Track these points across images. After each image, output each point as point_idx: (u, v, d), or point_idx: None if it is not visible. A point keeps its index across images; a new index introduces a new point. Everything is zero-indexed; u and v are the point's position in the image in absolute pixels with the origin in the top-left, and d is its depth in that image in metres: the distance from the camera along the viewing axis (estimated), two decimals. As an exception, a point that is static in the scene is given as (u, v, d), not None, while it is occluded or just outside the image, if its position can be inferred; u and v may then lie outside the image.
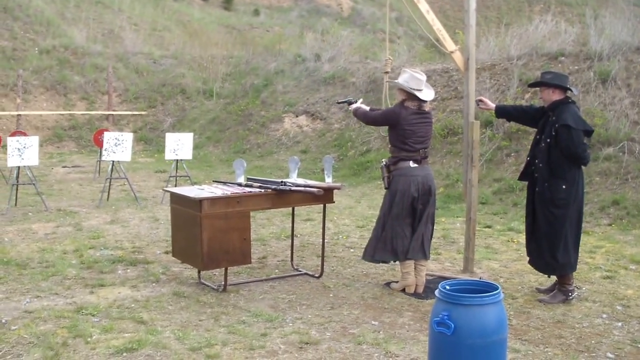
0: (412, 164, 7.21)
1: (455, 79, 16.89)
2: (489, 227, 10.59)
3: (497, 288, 4.60)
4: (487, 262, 8.66)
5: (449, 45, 8.02)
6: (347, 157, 16.95)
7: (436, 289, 7.24)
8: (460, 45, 8.27)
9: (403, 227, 7.23)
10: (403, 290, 7.36)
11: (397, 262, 7.48)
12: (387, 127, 7.40)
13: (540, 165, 7.05)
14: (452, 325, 4.37)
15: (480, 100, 7.89)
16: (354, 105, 7.84)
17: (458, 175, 13.36)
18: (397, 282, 7.56)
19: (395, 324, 6.41)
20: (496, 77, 15.73)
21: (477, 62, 15.87)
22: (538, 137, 7.24)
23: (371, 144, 16.72)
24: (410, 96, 7.20)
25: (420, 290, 7.33)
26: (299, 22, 31.40)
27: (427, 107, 7.31)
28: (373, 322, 6.43)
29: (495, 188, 12.61)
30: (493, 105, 7.85)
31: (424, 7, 7.88)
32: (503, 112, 7.91)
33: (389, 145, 7.48)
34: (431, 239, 7.53)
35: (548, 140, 7.00)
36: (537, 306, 6.98)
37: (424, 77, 7.25)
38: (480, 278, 7.68)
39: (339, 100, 8.95)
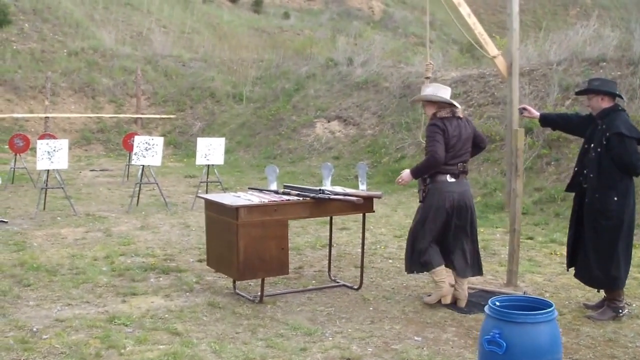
0: (449, 179, 6.90)
1: (492, 85, 16.58)
2: (530, 238, 10.28)
3: (550, 305, 4.42)
4: (530, 275, 8.37)
5: (491, 49, 7.75)
6: (380, 164, 16.70)
7: (479, 302, 7.11)
8: (502, 50, 7.99)
9: (435, 241, 6.97)
10: (439, 301, 7.08)
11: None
12: (425, 135, 7.00)
13: (591, 175, 6.75)
14: (504, 344, 4.20)
15: (524, 109, 7.62)
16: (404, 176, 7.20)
17: (496, 184, 13.07)
18: (429, 295, 7.30)
19: (439, 339, 6.16)
20: (535, 83, 15.38)
21: (515, 68, 15.64)
22: (586, 146, 6.93)
23: (405, 150, 16.47)
24: (441, 105, 6.95)
25: (463, 304, 7.06)
26: (329, 25, 31.22)
27: (460, 113, 7.03)
28: (416, 338, 6.18)
29: (536, 198, 12.28)
30: (537, 114, 7.57)
31: (465, 10, 7.64)
32: (548, 120, 7.61)
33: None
34: (477, 255, 7.23)
35: (599, 149, 6.70)
36: (586, 323, 6.68)
37: (449, 89, 7.09)
38: (524, 293, 7.42)
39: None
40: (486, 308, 4.43)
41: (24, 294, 7.22)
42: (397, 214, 12.37)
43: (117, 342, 5.86)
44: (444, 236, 6.98)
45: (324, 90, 21.40)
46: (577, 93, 7.97)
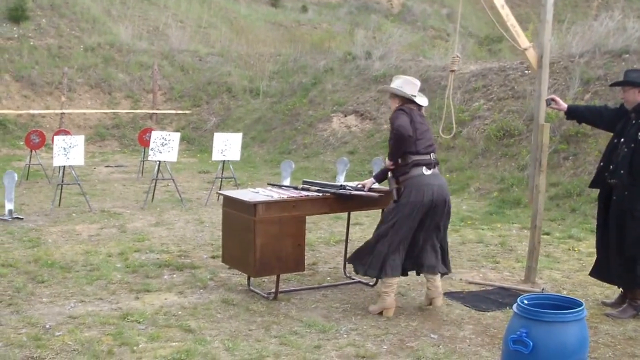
0: (425, 171, 6.49)
1: (512, 78, 16.39)
2: (547, 234, 10.13)
3: (580, 304, 4.33)
4: (548, 271, 8.25)
5: (523, 41, 7.60)
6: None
7: (497, 300, 7.02)
8: (532, 42, 7.84)
9: (402, 241, 6.52)
10: (381, 313, 6.67)
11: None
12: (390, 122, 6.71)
13: (622, 172, 6.54)
14: (531, 344, 4.11)
15: (553, 100, 7.36)
16: (368, 185, 7.15)
17: (513, 180, 12.93)
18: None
19: (455, 337, 6.08)
20: (555, 76, 15.15)
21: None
22: (616, 141, 6.74)
23: (421, 145, 16.33)
24: (406, 101, 6.67)
25: (439, 303, 6.73)
26: (347, 19, 31.02)
27: (424, 111, 6.80)
28: (432, 335, 6.10)
29: (552, 193, 12.12)
30: (565, 106, 7.31)
31: (499, 1, 7.47)
32: (575, 113, 7.34)
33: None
34: (446, 252, 6.85)
35: (632, 145, 6.52)
36: (605, 321, 6.58)
37: (418, 83, 6.80)
38: (542, 290, 7.33)
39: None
40: (514, 306, 4.36)
41: (38, 291, 7.20)
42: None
43: (129, 339, 5.83)
44: (415, 235, 6.57)
45: (342, 84, 21.26)
46: (613, 84, 7.79)
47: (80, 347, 5.66)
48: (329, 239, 9.86)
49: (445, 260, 6.80)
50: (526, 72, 16.07)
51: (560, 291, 7.44)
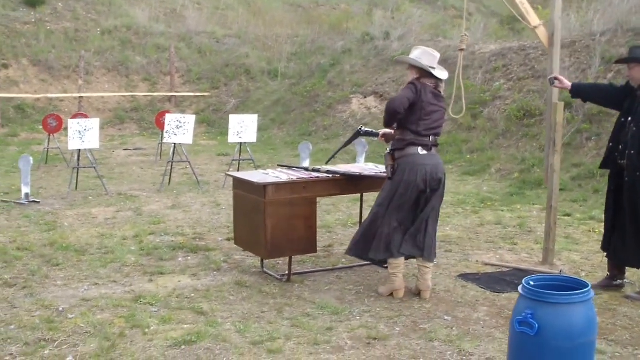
0: (420, 151, 6.35)
1: (532, 57, 16.18)
2: (568, 215, 10.02)
3: (586, 285, 4.25)
4: (567, 253, 8.14)
5: (533, 19, 7.48)
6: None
7: (512, 282, 6.93)
8: (544, 20, 7.71)
9: (402, 222, 6.42)
10: (391, 294, 6.60)
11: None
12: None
13: (632, 152, 6.41)
14: (536, 325, 4.05)
15: (556, 79, 7.29)
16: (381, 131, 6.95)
17: (534, 160, 12.77)
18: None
19: (469, 319, 6.01)
20: (577, 55, 14.95)
21: (557, 39, 15.15)
22: (623, 120, 6.61)
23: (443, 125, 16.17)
24: (424, 74, 6.43)
25: (427, 296, 6.55)
26: (366, -1, 30.72)
27: (442, 89, 6.55)
28: (445, 317, 6.04)
29: (575, 174, 11.96)
30: (569, 84, 7.19)
31: (507, -21, 7.36)
32: (579, 91, 7.22)
33: (397, 129, 6.57)
34: (435, 238, 6.64)
35: None
36: (624, 303, 6.47)
37: (437, 55, 6.55)
38: (560, 272, 7.20)
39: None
40: (520, 288, 4.28)
41: (52, 274, 7.21)
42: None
43: (141, 321, 5.83)
44: (412, 216, 6.45)
45: (360, 65, 21.11)
46: (617, 61, 7.66)
47: (92, 329, 5.66)
48: (347, 220, 9.80)
49: (435, 248, 6.67)
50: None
51: (578, 273, 7.37)
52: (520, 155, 13.41)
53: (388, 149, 6.60)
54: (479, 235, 9.01)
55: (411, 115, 6.33)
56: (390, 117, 6.35)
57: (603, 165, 6.92)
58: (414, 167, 6.31)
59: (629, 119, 6.51)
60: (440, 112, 6.46)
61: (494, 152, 13.98)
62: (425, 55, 6.46)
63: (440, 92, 6.50)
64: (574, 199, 11.03)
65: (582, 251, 8.25)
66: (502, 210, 10.44)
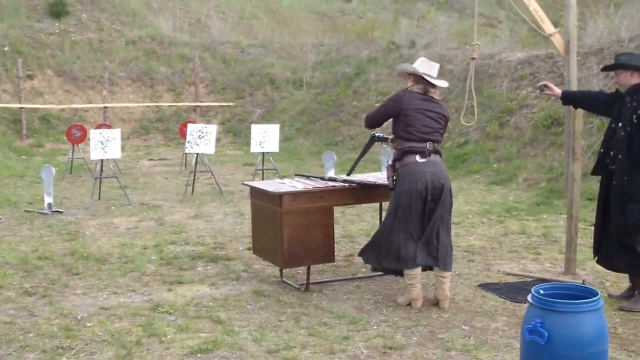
0: (418, 159, 6.32)
1: (560, 65, 16.00)
2: (593, 225, 9.89)
3: (596, 294, 4.19)
4: (591, 263, 7.98)
5: (548, 27, 7.44)
6: (443, 149, 16.29)
7: (534, 292, 6.85)
8: (562, 28, 7.67)
9: (412, 232, 6.35)
10: (409, 304, 6.56)
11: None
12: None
13: (620, 157, 6.39)
14: (546, 334, 4.02)
15: (545, 86, 7.27)
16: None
17: (562, 169, 12.62)
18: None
19: (487, 329, 5.95)
20: (604, 62, 14.74)
21: (584, 47, 14.93)
22: (614, 126, 6.58)
23: (469, 135, 16.06)
24: (417, 79, 6.50)
25: (445, 305, 6.49)
26: (392, 7, 30.62)
27: (436, 95, 6.54)
28: (463, 327, 5.98)
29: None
30: (559, 91, 7.20)
31: (518, -15, 7.32)
32: (569, 98, 7.21)
33: (394, 140, 6.64)
34: (451, 248, 6.57)
35: (628, 128, 6.36)
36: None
37: (436, 66, 6.58)
38: (583, 281, 7.13)
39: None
40: (529, 296, 4.26)
41: (72, 283, 7.28)
42: (456, 201, 12.01)
43: (158, 330, 5.85)
44: (421, 225, 6.38)
45: (385, 74, 21.06)
46: (604, 69, 7.65)
47: (109, 337, 5.70)
48: (370, 230, 9.72)
49: (451, 257, 6.61)
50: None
51: (602, 282, 7.28)
52: (547, 164, 13.28)
53: (389, 161, 6.65)
54: (502, 245, 8.93)
55: (398, 123, 6.46)
56: (367, 126, 6.94)
57: (595, 172, 6.88)
58: (413, 175, 6.31)
59: (620, 124, 6.49)
60: (434, 118, 6.46)
61: (521, 161, 13.85)
62: (422, 63, 6.54)
63: (431, 97, 6.50)
64: (603, 209, 10.87)
65: (606, 261, 8.14)
66: (528, 220, 10.34)
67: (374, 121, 6.82)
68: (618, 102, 6.63)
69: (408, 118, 6.36)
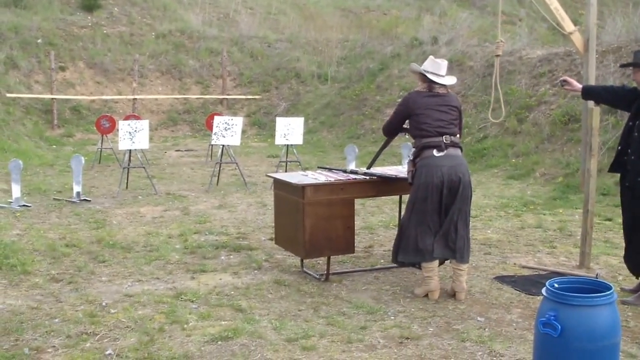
0: (436, 153, 6.43)
1: (578, 63, 16.02)
2: (609, 220, 9.97)
3: (610, 288, 4.27)
4: (605, 257, 8.13)
5: (568, 25, 7.52)
6: (463, 144, 16.41)
7: (549, 285, 6.94)
8: (581, 26, 7.73)
9: (429, 224, 6.46)
10: (426, 295, 6.68)
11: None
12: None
13: (632, 157, 6.39)
14: (559, 327, 4.09)
15: (565, 81, 7.25)
16: None
17: (579, 164, 12.68)
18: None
19: (502, 320, 6.07)
20: (622, 61, 14.78)
21: (602, 45, 14.93)
22: (630, 124, 6.55)
23: (488, 129, 16.13)
24: (423, 78, 6.67)
25: (462, 297, 6.60)
26: (416, 4, 30.62)
27: (442, 90, 6.64)
28: (479, 318, 6.10)
29: (618, 178, 11.82)
30: (579, 86, 7.16)
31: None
32: (590, 93, 7.17)
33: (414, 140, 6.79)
34: (468, 240, 6.68)
35: None
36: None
37: (444, 63, 6.70)
38: (597, 275, 7.21)
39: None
40: (544, 290, 4.33)
41: (98, 270, 7.46)
42: (475, 194, 12.09)
43: (181, 317, 6.00)
44: (439, 218, 6.49)
45: (408, 70, 21.10)
46: (622, 65, 7.63)
47: (133, 324, 5.86)
48: (389, 222, 9.88)
49: (469, 249, 6.71)
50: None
51: (616, 277, 7.36)
52: (564, 160, 13.35)
53: (410, 156, 6.78)
54: (518, 239, 9.03)
55: (412, 124, 6.66)
56: (385, 134, 7.26)
57: (611, 169, 6.88)
58: (430, 168, 6.41)
59: (637, 122, 6.46)
60: (445, 110, 6.59)
61: (539, 157, 13.92)
62: (429, 63, 6.71)
63: (437, 93, 6.64)
64: (617, 204, 10.81)
65: (621, 255, 8.10)
66: (544, 214, 10.43)
67: (389, 129, 7.10)
68: (637, 99, 6.60)
69: (419, 117, 6.52)
